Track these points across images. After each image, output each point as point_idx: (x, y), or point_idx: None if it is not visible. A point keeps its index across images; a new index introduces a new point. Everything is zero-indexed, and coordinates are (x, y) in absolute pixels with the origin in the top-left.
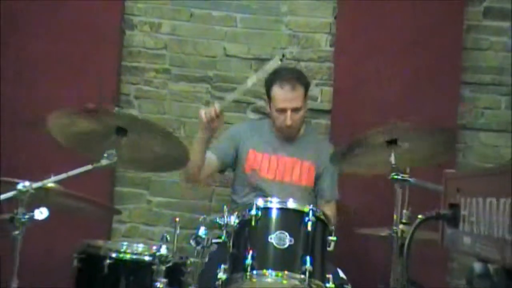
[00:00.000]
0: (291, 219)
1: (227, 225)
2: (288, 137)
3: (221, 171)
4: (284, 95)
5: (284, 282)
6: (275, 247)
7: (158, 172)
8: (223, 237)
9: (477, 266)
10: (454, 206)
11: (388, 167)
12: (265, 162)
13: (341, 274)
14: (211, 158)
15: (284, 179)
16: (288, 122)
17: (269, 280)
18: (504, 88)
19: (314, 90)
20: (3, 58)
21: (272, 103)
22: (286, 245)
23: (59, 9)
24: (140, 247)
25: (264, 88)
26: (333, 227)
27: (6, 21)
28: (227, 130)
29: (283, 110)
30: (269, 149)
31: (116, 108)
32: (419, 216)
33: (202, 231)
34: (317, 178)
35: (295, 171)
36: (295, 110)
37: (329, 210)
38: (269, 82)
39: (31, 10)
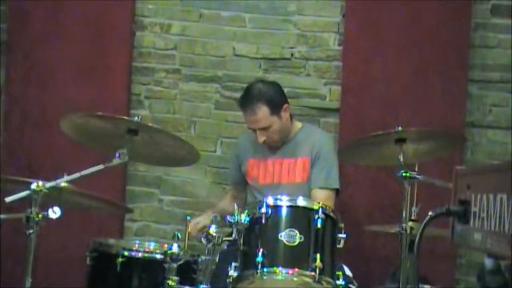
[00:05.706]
0: (300, 217)
1: (237, 223)
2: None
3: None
4: (247, 119)
5: (295, 279)
6: (285, 244)
7: (167, 167)
8: (233, 235)
9: (489, 262)
10: (465, 202)
11: (396, 160)
12: (263, 167)
13: (347, 272)
14: (230, 190)
15: (281, 181)
16: (260, 140)
17: (279, 277)
18: None
19: (322, 89)
20: (13, 58)
21: None
22: (296, 243)
23: (69, 10)
24: (152, 245)
25: None
26: (342, 224)
27: (15, 22)
28: (233, 150)
29: (253, 130)
30: (265, 154)
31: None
32: (430, 213)
33: (213, 229)
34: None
35: (290, 170)
36: (263, 129)
37: (323, 198)
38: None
39: (41, 11)
